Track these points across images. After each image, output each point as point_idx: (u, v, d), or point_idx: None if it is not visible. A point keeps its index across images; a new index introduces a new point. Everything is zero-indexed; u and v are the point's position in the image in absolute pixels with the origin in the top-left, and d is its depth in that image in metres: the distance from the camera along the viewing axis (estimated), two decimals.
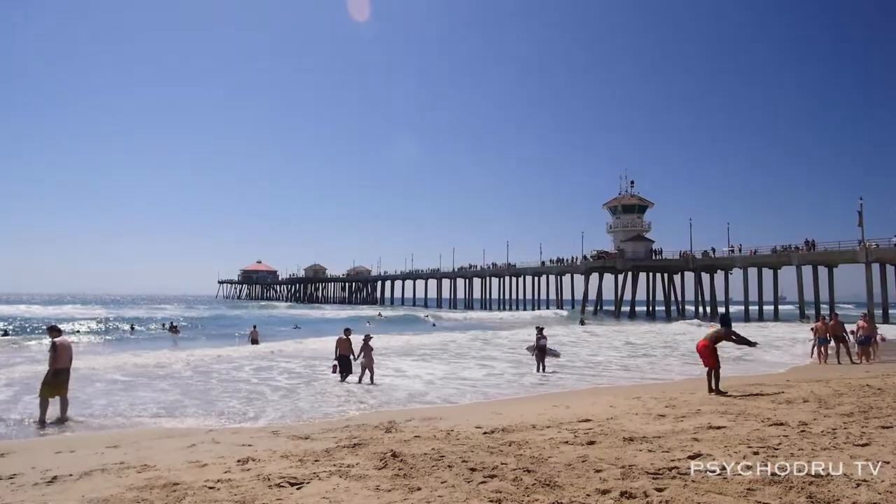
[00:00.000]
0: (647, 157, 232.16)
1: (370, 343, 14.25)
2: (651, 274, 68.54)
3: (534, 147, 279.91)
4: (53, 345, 9.63)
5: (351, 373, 14.20)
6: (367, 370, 14.06)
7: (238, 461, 6.11)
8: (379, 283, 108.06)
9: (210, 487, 5.07)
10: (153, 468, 5.91)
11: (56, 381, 9.42)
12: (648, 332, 36.09)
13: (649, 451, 6.15)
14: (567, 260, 69.92)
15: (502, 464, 5.69)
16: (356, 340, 14.50)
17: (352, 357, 14.30)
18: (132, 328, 36.41)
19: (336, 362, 14.34)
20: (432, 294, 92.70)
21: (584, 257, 67.09)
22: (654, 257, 64.69)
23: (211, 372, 16.33)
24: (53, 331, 9.96)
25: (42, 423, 9.25)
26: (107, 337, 32.73)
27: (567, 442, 6.76)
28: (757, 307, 56.54)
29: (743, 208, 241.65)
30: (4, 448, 7.59)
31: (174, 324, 35.65)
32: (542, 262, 73.64)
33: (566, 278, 71.06)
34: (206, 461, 6.17)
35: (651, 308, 67.78)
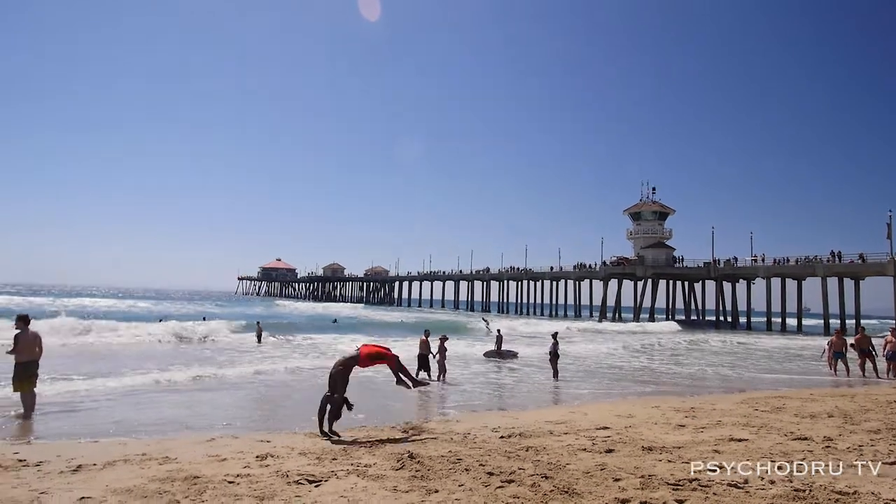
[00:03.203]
0: (670, 163, 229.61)
1: (445, 344, 15.56)
2: (671, 281, 67.77)
3: (555, 151, 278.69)
4: (16, 337, 9.16)
5: (429, 370, 15.10)
6: (441, 369, 15.12)
7: (257, 457, 6.17)
8: (396, 283, 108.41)
9: (230, 482, 5.13)
10: (174, 461, 6.00)
11: (23, 372, 9.02)
12: (667, 339, 35.66)
13: (669, 461, 6.08)
14: (586, 266, 69.45)
15: (520, 469, 5.67)
16: (433, 341, 15.56)
17: (430, 356, 15.29)
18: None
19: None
20: (449, 296, 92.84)
21: (604, 263, 66.54)
22: (674, 265, 63.96)
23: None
24: (23, 320, 9.38)
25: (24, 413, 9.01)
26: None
27: (585, 449, 6.71)
28: (780, 318, 55.52)
29: (767, 218, 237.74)
30: (36, 436, 7.77)
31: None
32: (561, 267, 73.28)
33: (584, 284, 70.61)
34: (226, 456, 6.25)
35: (671, 316, 66.98)
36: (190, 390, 12.50)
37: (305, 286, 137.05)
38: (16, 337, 9.21)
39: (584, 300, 70.75)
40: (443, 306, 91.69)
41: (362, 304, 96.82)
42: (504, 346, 22.01)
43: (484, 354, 21.68)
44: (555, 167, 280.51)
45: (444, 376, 15.08)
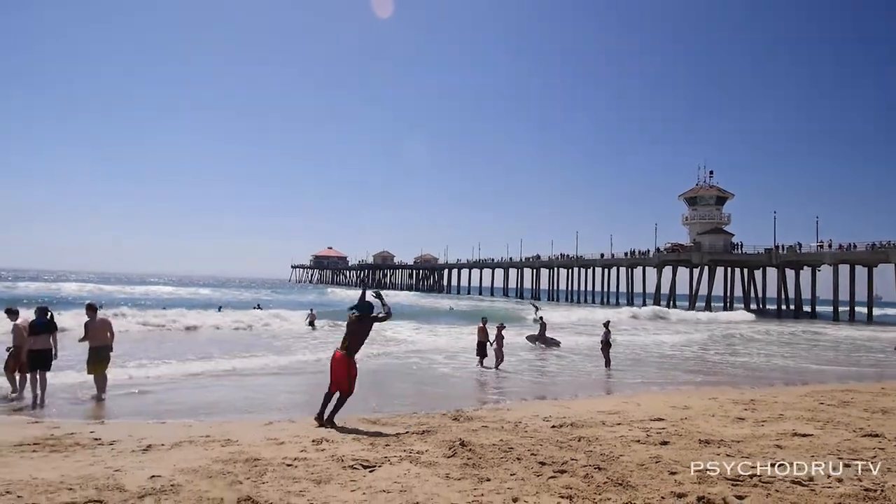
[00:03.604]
0: (728, 145, 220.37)
1: (503, 332, 15.67)
2: (730, 269, 65.34)
3: (606, 136, 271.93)
4: (85, 324, 9.90)
5: (486, 356, 15.44)
6: (499, 357, 15.30)
7: (313, 441, 6.36)
8: (446, 271, 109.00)
9: (288, 465, 5.31)
10: (235, 443, 6.26)
11: (94, 357, 9.70)
12: (726, 328, 34.45)
13: (727, 455, 5.90)
14: (638, 252, 67.79)
15: (572, 459, 5.63)
16: (491, 329, 15.75)
17: (488, 343, 15.52)
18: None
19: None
20: (499, 284, 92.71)
21: (657, 249, 64.78)
22: (733, 251, 61.62)
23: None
24: (91, 309, 10.12)
25: (97, 396, 9.68)
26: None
27: (639, 441, 6.59)
28: (848, 308, 52.72)
29: (834, 203, 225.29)
30: (108, 417, 8.27)
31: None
32: (613, 254, 71.83)
33: (637, 271, 68.97)
34: (284, 439, 6.46)
35: (729, 304, 64.63)
36: (248, 375, 12.99)
37: (356, 274, 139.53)
38: (85, 325, 9.97)
39: (637, 288, 69.22)
40: (492, 294, 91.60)
41: (412, 292, 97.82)
42: (550, 334, 21.84)
43: (526, 338, 21.64)
44: (606, 152, 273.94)
45: (500, 364, 15.16)
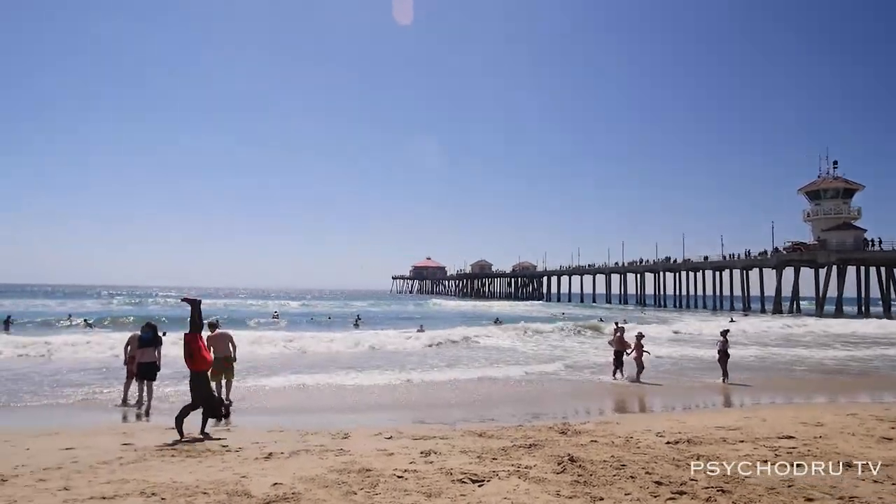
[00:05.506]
0: (853, 131, 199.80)
1: (642, 342, 14.90)
2: (863, 268, 58.98)
3: (709, 126, 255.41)
4: (208, 338, 11.05)
5: (622, 367, 14.81)
6: (638, 367, 14.62)
7: (421, 453, 6.46)
8: (545, 278, 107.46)
9: (399, 477, 5.43)
10: (348, 453, 6.50)
11: (215, 367, 10.68)
12: (863, 334, 31.05)
13: (875, 481, 5.29)
14: (756, 254, 62.99)
15: (691, 479, 5.30)
16: (629, 337, 15.22)
17: (626, 353, 14.90)
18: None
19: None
20: (600, 290, 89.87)
21: (776, 249, 59.87)
22: (866, 248, 55.60)
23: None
24: (211, 326, 11.44)
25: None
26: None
27: (766, 461, 6.08)
28: None
29: None
30: (232, 425, 8.92)
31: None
32: (724, 256, 67.30)
33: (753, 273, 64.03)
34: (393, 451, 6.63)
35: (864, 307, 58.25)
36: (356, 387, 13.48)
37: (455, 283, 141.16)
38: (208, 338, 11.06)
39: (754, 291, 64.21)
40: (594, 301, 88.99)
41: (512, 300, 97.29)
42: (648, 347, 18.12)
43: (609, 342, 20.54)
44: (712, 145, 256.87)
45: (639, 374, 14.51)
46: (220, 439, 7.44)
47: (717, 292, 68.48)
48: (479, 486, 5.14)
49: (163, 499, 4.76)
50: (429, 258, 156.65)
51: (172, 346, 17.04)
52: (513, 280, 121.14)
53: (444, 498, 4.80)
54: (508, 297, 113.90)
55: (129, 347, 11.30)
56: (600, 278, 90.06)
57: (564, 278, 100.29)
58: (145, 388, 10.75)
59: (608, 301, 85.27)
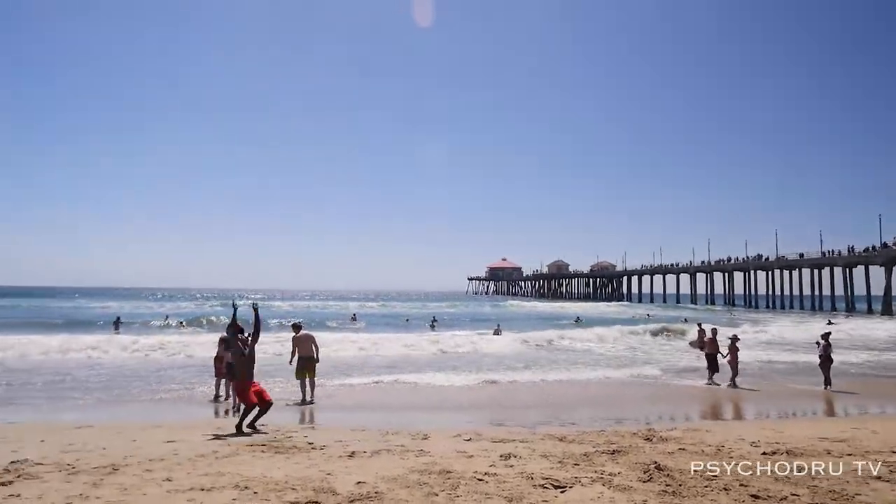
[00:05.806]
0: None
1: (737, 344, 14.35)
2: None
3: (805, 111, 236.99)
4: (293, 339, 11.79)
5: (717, 371, 14.26)
6: (733, 370, 14.05)
7: (501, 456, 6.41)
8: (624, 278, 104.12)
9: (479, 479, 5.41)
10: (428, 454, 6.56)
11: (299, 366, 11.44)
12: None
13: None
14: (860, 250, 58.05)
15: (793, 494, 4.94)
16: (722, 339, 14.62)
17: (720, 355, 14.37)
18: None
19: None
20: (684, 290, 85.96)
21: (884, 244, 54.93)
22: None
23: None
24: (295, 327, 12.13)
25: (302, 400, 11.30)
26: None
27: (879, 478, 5.58)
28: None
29: None
30: (316, 423, 9.25)
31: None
32: (823, 253, 62.45)
33: (858, 271, 59.02)
34: (472, 453, 6.62)
35: None
36: (432, 387, 13.61)
37: (531, 284, 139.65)
38: (293, 339, 11.93)
39: (858, 290, 59.14)
40: (678, 301, 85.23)
41: (590, 301, 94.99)
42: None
43: (689, 343, 19.74)
44: (809, 133, 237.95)
45: (735, 378, 13.95)
46: (305, 437, 7.72)
47: (817, 292, 63.70)
48: (562, 492, 5.03)
49: (255, 492, 5.00)
50: (504, 259, 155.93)
51: (275, 344, 18.05)
52: (591, 280, 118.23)
53: (526, 503, 4.74)
54: (587, 297, 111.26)
55: (220, 347, 11.99)
56: (684, 278, 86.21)
57: (646, 278, 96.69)
58: (231, 385, 11.34)
59: (693, 301, 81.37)
